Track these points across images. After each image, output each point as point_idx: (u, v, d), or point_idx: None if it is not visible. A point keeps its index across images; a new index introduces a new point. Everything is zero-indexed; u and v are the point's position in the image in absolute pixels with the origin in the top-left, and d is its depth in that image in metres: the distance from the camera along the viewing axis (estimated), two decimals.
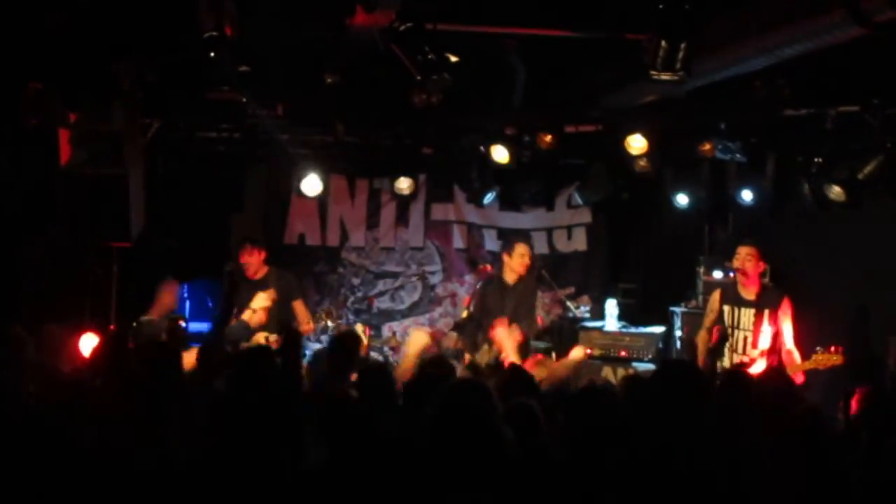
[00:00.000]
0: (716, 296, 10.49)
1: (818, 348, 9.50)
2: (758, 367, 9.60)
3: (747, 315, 10.12)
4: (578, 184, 13.54)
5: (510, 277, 11.20)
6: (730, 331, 10.17)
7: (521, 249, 11.20)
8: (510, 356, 10.02)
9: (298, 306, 11.29)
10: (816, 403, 6.46)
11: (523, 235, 12.06)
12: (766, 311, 10.00)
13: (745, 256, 10.14)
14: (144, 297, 10.57)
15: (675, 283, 13.06)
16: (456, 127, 12.30)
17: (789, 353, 9.84)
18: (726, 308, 10.25)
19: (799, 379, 9.30)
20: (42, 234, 9.71)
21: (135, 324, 10.13)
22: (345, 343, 8.63)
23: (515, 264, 11.13)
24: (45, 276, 9.95)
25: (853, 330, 10.65)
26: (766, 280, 10.80)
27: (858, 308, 10.77)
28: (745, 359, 9.93)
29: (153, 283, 10.66)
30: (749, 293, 10.17)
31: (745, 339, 10.06)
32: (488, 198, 13.50)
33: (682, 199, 12.72)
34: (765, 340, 9.90)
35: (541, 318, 12.62)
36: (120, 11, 8.29)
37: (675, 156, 12.29)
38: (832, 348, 9.42)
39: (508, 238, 11.92)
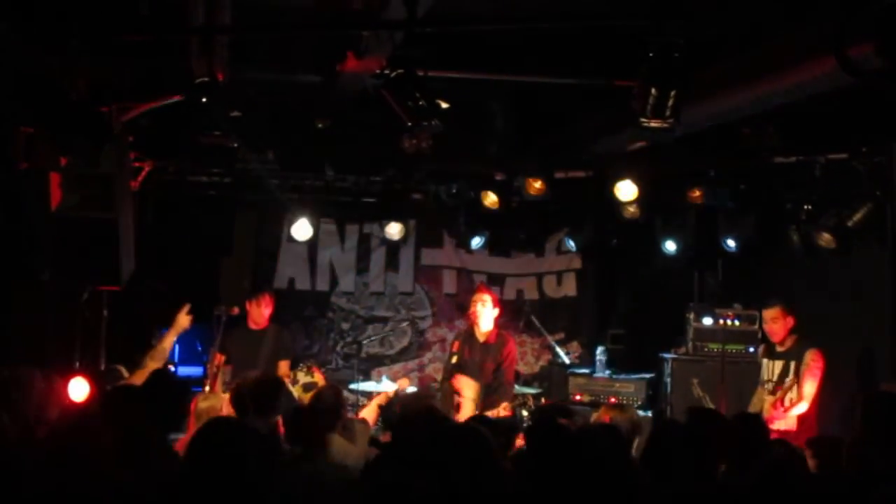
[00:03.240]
0: (761, 351, 10.66)
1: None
2: (789, 419, 9.74)
3: (778, 367, 10.25)
4: (568, 229, 13.56)
5: (480, 335, 11.21)
6: (769, 385, 10.27)
7: (475, 298, 11.27)
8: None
9: (283, 365, 11.25)
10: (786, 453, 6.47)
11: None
12: (793, 363, 10.10)
13: (770, 320, 10.29)
14: (134, 340, 10.53)
15: (664, 330, 13.05)
16: (446, 172, 12.32)
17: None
18: (765, 362, 10.45)
19: (791, 423, 9.46)
20: (32, 278, 9.67)
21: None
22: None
23: (481, 315, 11.17)
24: (34, 319, 9.91)
25: (840, 377, 10.64)
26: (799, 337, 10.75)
27: (846, 355, 10.76)
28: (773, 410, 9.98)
29: (143, 327, 10.63)
30: (782, 346, 10.29)
31: (776, 389, 10.12)
32: (476, 242, 13.52)
33: (670, 246, 12.70)
34: (792, 390, 9.94)
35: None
36: (111, 55, 8.32)
37: (665, 202, 12.34)
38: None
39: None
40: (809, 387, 9.98)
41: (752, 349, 11.33)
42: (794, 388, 9.87)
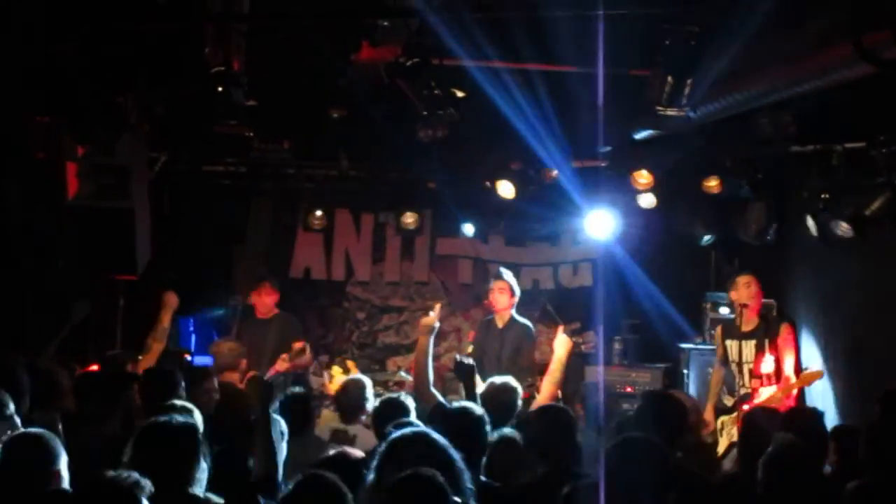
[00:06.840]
0: (718, 332, 10.55)
1: (806, 367, 9.89)
2: (764, 396, 9.66)
3: (749, 347, 10.14)
4: (584, 219, 13.50)
5: (500, 321, 11.19)
6: (734, 366, 10.18)
7: (497, 286, 11.23)
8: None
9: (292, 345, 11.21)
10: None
11: (501, 270, 11.92)
12: (767, 341, 10.02)
13: (743, 285, 10.18)
14: (150, 329, 10.54)
15: (681, 320, 13.02)
16: (462, 162, 12.31)
17: (787, 379, 9.84)
18: (729, 343, 10.28)
19: (789, 403, 9.40)
20: (49, 266, 9.71)
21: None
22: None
23: (496, 303, 11.14)
24: (50, 308, 9.95)
25: (859, 365, 10.61)
26: (767, 311, 10.78)
27: (864, 343, 10.73)
28: (748, 390, 9.93)
29: (158, 316, 10.63)
30: (749, 324, 10.19)
31: (749, 371, 10.05)
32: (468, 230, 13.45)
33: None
34: (767, 367, 9.89)
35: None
36: (128, 45, 8.33)
37: (681, 191, 12.31)
38: (812, 368, 9.94)
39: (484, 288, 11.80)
40: (791, 361, 9.95)
41: None
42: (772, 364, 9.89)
